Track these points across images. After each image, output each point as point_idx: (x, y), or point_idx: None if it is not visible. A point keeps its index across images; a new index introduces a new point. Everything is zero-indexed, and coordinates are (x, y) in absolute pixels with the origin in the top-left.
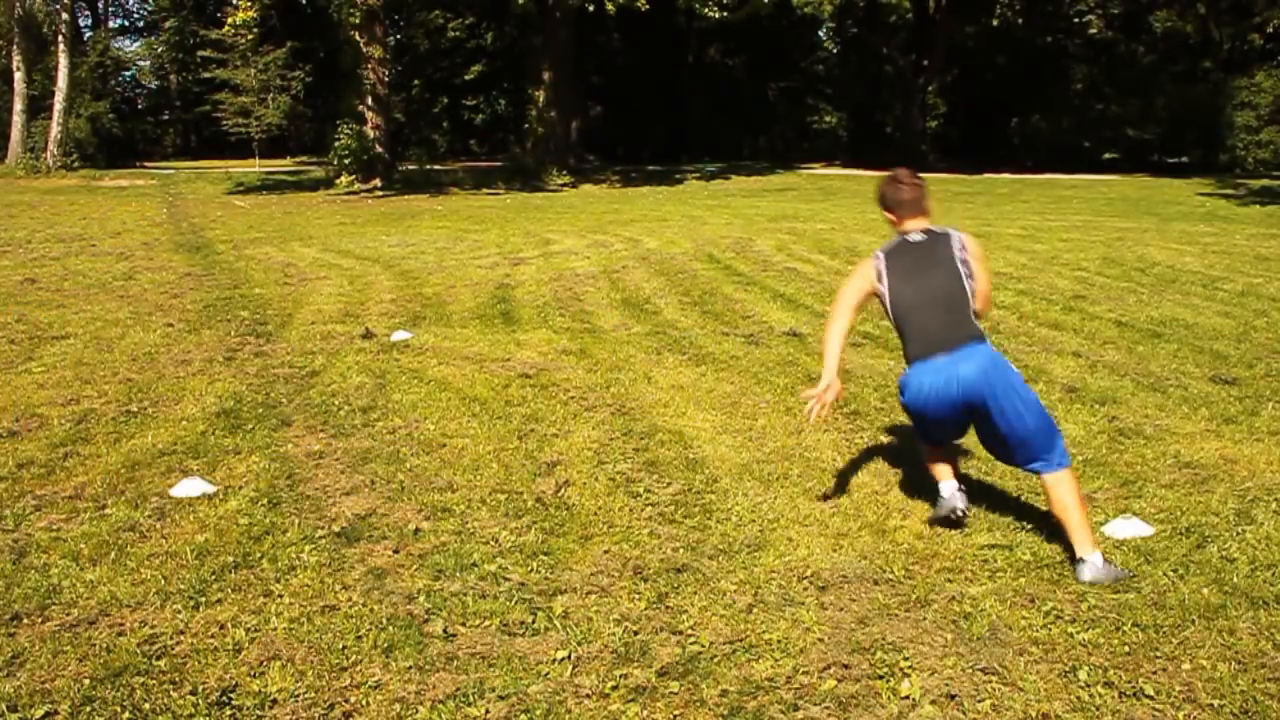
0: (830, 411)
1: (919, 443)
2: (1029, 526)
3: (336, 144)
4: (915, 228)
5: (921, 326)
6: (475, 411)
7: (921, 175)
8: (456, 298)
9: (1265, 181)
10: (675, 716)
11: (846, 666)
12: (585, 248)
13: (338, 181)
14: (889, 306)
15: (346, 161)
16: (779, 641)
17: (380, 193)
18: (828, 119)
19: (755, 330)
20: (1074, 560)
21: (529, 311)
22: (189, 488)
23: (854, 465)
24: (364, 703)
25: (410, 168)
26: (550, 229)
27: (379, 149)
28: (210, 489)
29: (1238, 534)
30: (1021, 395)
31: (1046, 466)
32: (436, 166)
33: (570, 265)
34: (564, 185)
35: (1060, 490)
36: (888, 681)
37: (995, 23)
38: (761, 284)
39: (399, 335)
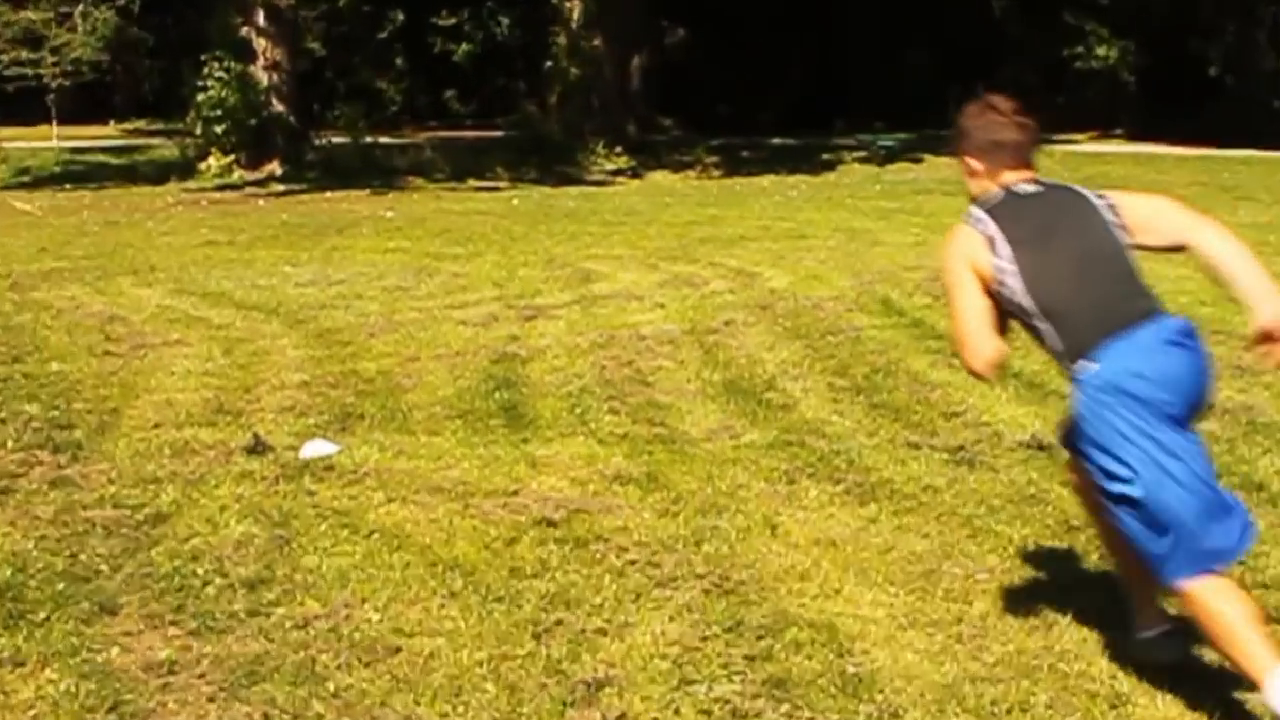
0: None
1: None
2: None
3: (201, 98)
4: (1017, 179)
5: (1090, 301)
6: (455, 588)
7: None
8: (421, 379)
9: None
10: None
11: None
12: (655, 287)
13: (203, 166)
14: (1019, 292)
15: (219, 130)
16: None
17: (281, 186)
18: (1101, 52)
19: (968, 439)
20: None
21: (554, 405)
22: None
23: (1150, 687)
24: None
25: (336, 140)
26: (592, 252)
27: (278, 106)
28: None
29: None
30: None
31: None
32: (385, 139)
33: (628, 320)
34: (616, 173)
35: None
36: None
37: None
38: None
39: (315, 448)
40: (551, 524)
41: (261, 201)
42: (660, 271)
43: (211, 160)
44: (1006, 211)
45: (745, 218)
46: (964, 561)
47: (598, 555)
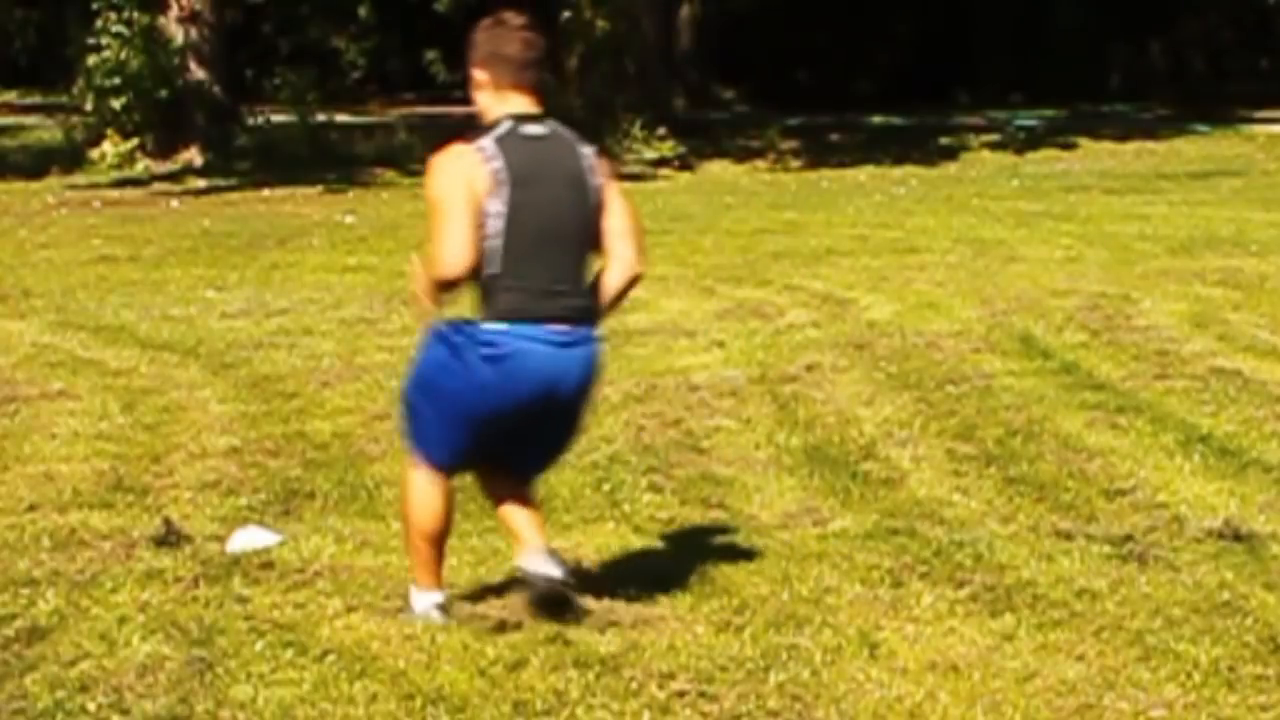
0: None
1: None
2: None
3: (93, 61)
4: (526, 112)
5: (528, 274)
6: None
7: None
8: (391, 444)
9: None
10: None
11: None
12: (713, 319)
13: (96, 154)
14: (496, 230)
15: (117, 105)
16: None
17: (203, 181)
18: None
19: (1139, 526)
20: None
21: (573, 479)
22: None
23: None
24: None
25: (278, 119)
26: None
27: (199, 72)
28: None
29: None
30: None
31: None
32: (344, 116)
33: (676, 363)
34: (659, 162)
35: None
36: None
37: None
38: (1155, 410)
39: (248, 539)
40: (569, 642)
41: (175, 202)
42: (719, 298)
43: (107, 146)
44: (510, 146)
45: (835, 224)
46: (1133, 693)
47: (633, 685)
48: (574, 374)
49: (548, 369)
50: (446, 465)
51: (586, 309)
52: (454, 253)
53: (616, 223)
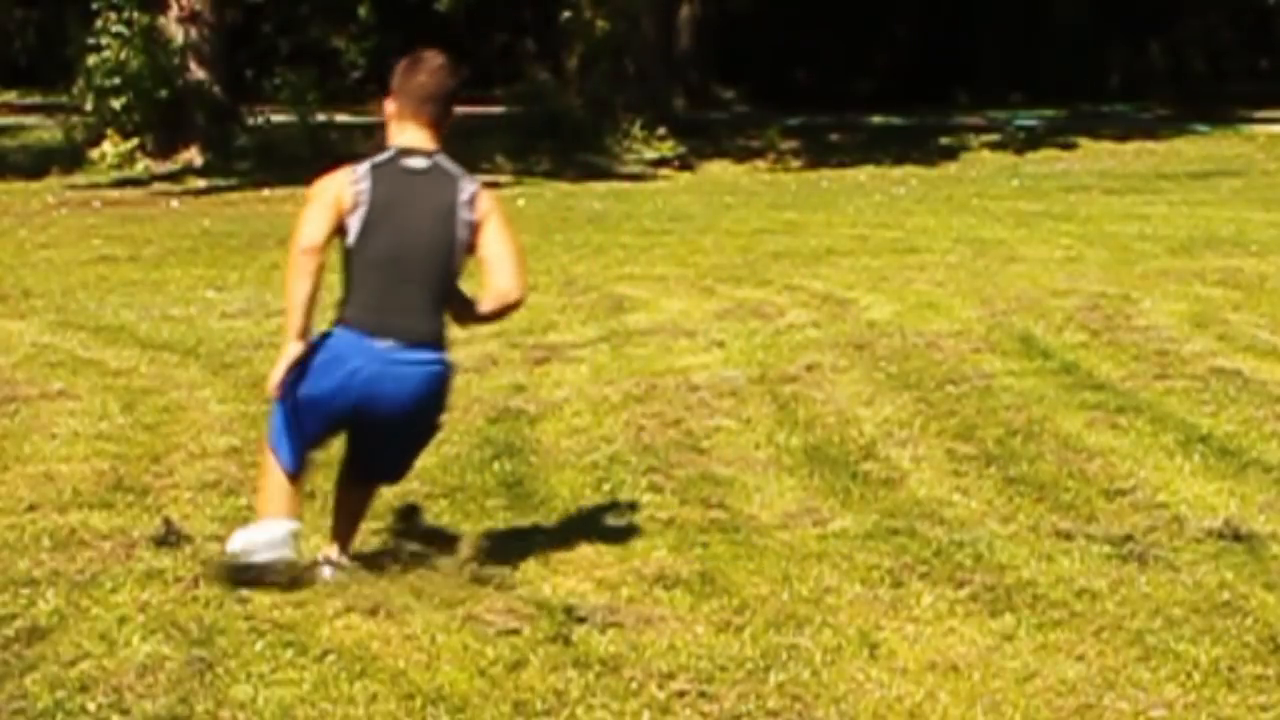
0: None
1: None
2: None
3: (93, 61)
4: (418, 143)
5: (373, 290)
6: None
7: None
8: None
9: None
10: None
11: None
12: (713, 319)
13: (96, 154)
14: (350, 248)
15: (117, 105)
16: None
17: (203, 181)
18: None
19: (1139, 526)
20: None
21: (573, 479)
22: None
23: None
24: None
25: (279, 119)
26: (626, 272)
27: (199, 72)
28: None
29: None
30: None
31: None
32: (344, 116)
33: (676, 363)
34: (659, 162)
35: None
36: None
37: None
38: (1155, 410)
39: (249, 538)
40: (570, 641)
41: (175, 202)
42: (718, 298)
43: (107, 146)
44: (384, 174)
45: (835, 224)
46: (1133, 693)
47: (633, 685)
48: (396, 391)
49: (366, 378)
50: (278, 449)
51: (425, 333)
52: (309, 231)
53: (492, 251)
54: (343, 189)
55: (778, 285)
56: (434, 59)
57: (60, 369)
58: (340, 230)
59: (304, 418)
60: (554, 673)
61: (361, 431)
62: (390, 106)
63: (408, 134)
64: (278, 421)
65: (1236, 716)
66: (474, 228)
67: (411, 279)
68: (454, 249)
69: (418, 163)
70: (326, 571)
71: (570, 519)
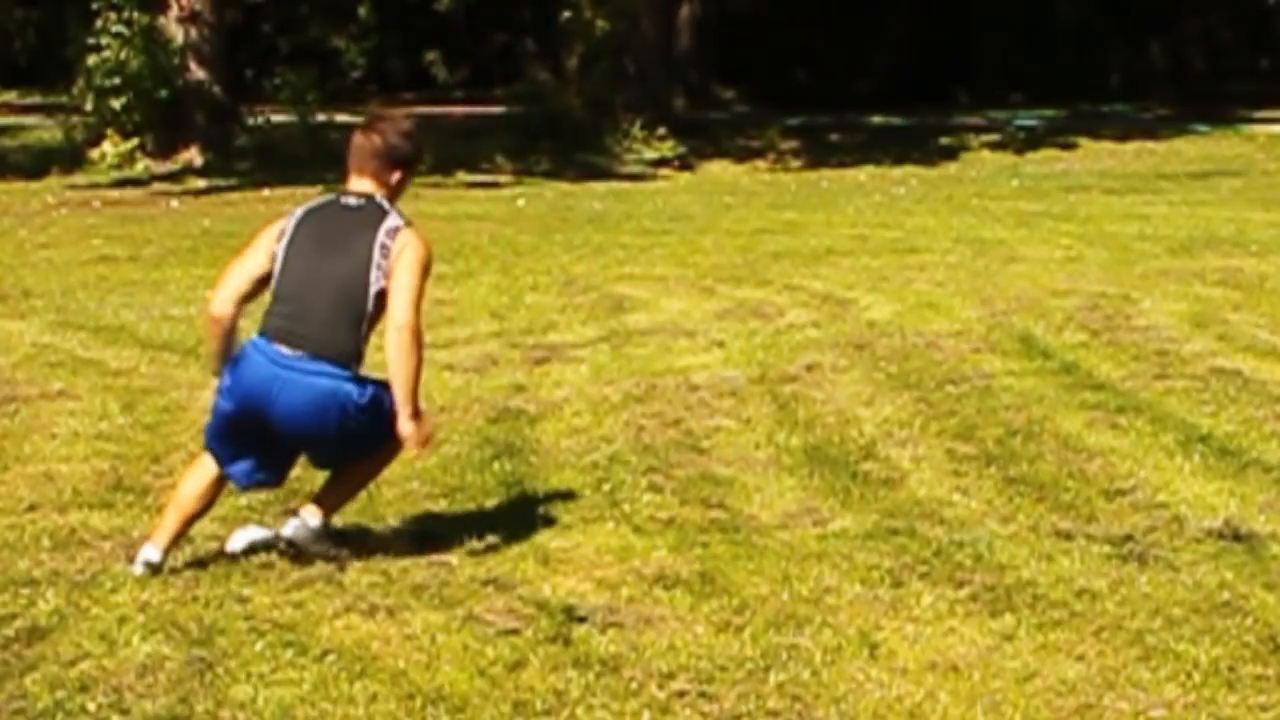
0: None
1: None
2: None
3: (93, 61)
4: (358, 189)
5: (290, 303)
6: None
7: (403, 125)
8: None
9: None
10: None
11: None
12: (713, 319)
13: (96, 153)
14: (276, 269)
15: (117, 105)
16: None
17: (203, 181)
18: None
19: (1139, 526)
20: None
21: (573, 479)
22: None
23: None
24: None
25: (278, 119)
26: (626, 272)
27: (198, 72)
28: None
29: None
30: (365, 441)
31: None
32: (344, 116)
33: (676, 364)
34: (659, 162)
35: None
36: None
37: None
38: (1155, 410)
39: (247, 538)
40: (569, 641)
41: (175, 202)
42: (719, 298)
43: (107, 146)
44: (314, 213)
45: (835, 224)
46: (1133, 693)
47: (633, 685)
48: (287, 396)
49: (259, 379)
50: (209, 446)
51: (325, 346)
52: (219, 288)
53: (394, 283)
54: (282, 224)
55: (778, 285)
56: (376, 121)
57: (60, 369)
58: (272, 261)
59: (216, 416)
60: (554, 673)
61: (267, 432)
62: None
63: (351, 182)
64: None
65: (1236, 716)
66: (388, 258)
67: (321, 299)
68: (368, 273)
69: (351, 200)
70: (289, 526)
71: (570, 519)
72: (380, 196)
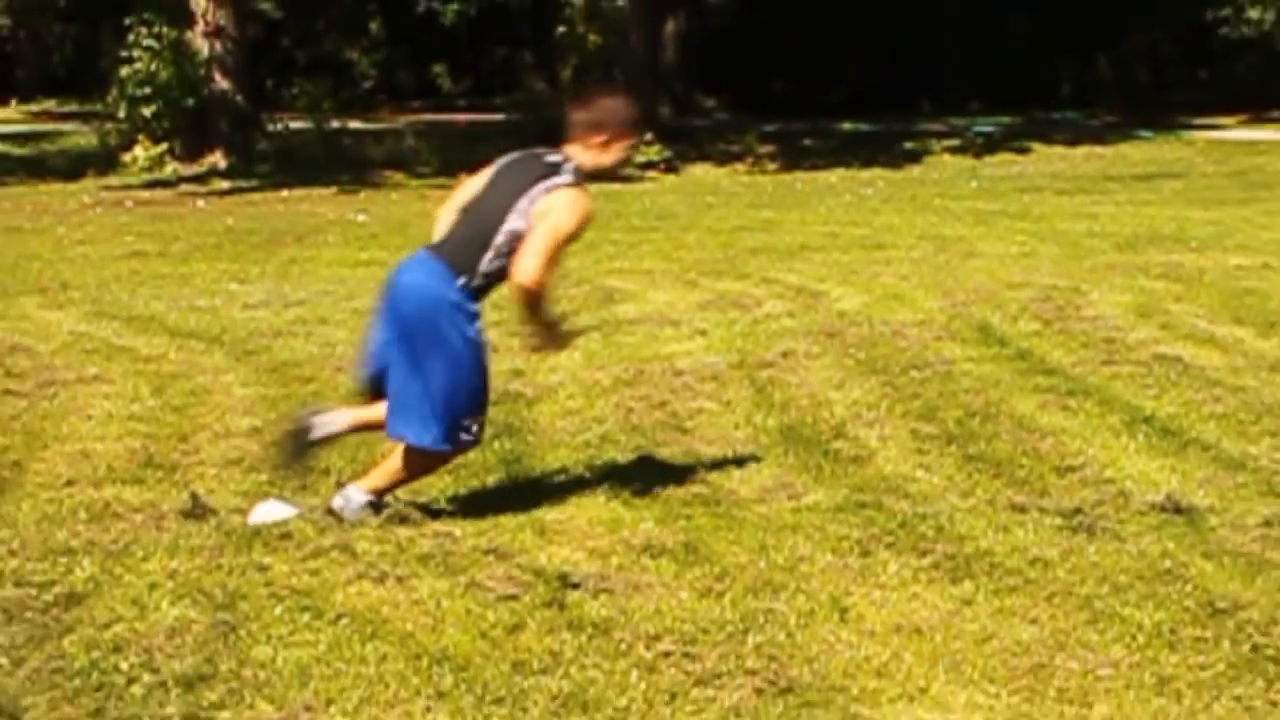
0: None
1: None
2: None
3: (125, 73)
4: (562, 151)
5: (446, 224)
6: (444, 687)
7: (609, 98)
8: None
9: None
10: None
11: None
12: (695, 309)
13: (128, 157)
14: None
15: (148, 113)
16: None
17: (226, 183)
18: (1254, 15)
19: (1087, 500)
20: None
21: (567, 457)
22: None
23: None
24: None
25: (296, 126)
26: (616, 266)
27: (222, 83)
28: None
29: None
30: (449, 357)
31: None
32: (356, 124)
33: (661, 350)
34: (646, 166)
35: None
36: None
37: None
38: (1102, 393)
39: (268, 512)
40: (564, 606)
41: (201, 202)
42: (701, 290)
43: (138, 150)
44: (512, 161)
45: (808, 222)
46: (1082, 654)
47: (623, 646)
48: (405, 274)
49: (398, 264)
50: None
51: (449, 255)
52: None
53: (530, 235)
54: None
55: (755, 278)
56: (590, 94)
57: (95, 355)
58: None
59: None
60: (549, 635)
61: (386, 313)
62: None
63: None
64: None
65: (1177, 675)
66: (533, 207)
67: (469, 220)
68: (508, 211)
69: (546, 156)
70: (337, 499)
71: (564, 493)
72: (576, 160)
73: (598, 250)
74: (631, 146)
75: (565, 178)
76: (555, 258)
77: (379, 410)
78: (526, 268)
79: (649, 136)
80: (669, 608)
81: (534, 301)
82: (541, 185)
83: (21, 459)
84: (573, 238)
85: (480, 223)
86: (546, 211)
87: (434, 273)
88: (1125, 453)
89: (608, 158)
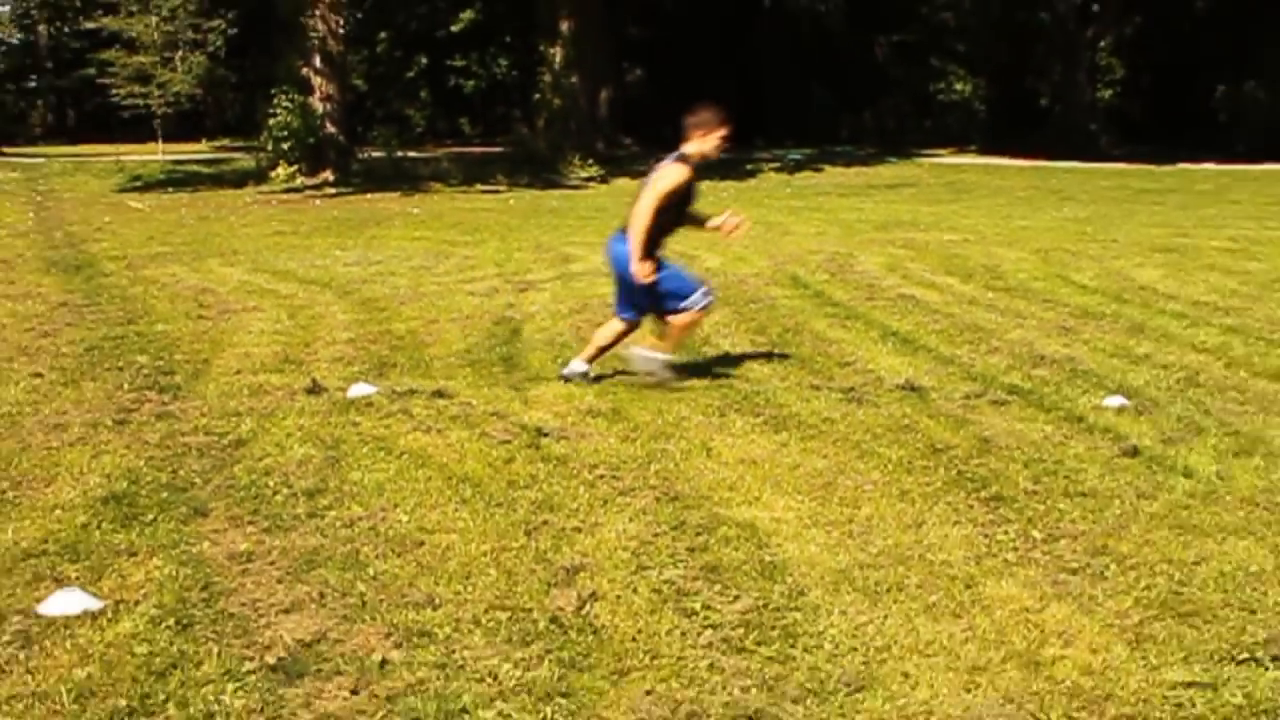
0: None
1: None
2: (1241, 656)
3: (272, 122)
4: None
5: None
6: (465, 496)
7: (706, 109)
8: (439, 337)
9: None
10: None
11: None
12: None
13: (273, 174)
14: None
15: (285, 146)
16: None
17: (333, 190)
18: (959, 87)
19: (858, 382)
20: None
21: (541, 356)
22: (65, 602)
23: (995, 572)
24: None
25: (375, 155)
26: (570, 240)
27: (331, 128)
28: (95, 604)
29: None
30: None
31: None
32: (412, 153)
33: (598, 292)
34: (590, 179)
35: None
36: None
37: None
38: (866, 317)
39: (359, 390)
40: (538, 447)
41: (317, 201)
42: None
43: (279, 170)
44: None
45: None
46: (854, 475)
47: (574, 471)
48: (610, 246)
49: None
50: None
51: (623, 225)
52: None
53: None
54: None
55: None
56: (694, 109)
57: (253, 294)
58: None
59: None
60: (530, 464)
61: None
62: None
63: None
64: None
65: (912, 489)
66: (651, 176)
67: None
68: (644, 184)
69: (663, 155)
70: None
71: (539, 378)
72: (687, 150)
73: (559, 231)
74: (722, 137)
75: (670, 158)
76: (655, 205)
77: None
78: (636, 211)
79: (591, 161)
80: (603, 448)
81: (634, 234)
82: (657, 166)
83: (208, 357)
84: (669, 194)
85: (635, 202)
86: (655, 178)
87: (618, 238)
88: (880, 354)
89: (708, 145)
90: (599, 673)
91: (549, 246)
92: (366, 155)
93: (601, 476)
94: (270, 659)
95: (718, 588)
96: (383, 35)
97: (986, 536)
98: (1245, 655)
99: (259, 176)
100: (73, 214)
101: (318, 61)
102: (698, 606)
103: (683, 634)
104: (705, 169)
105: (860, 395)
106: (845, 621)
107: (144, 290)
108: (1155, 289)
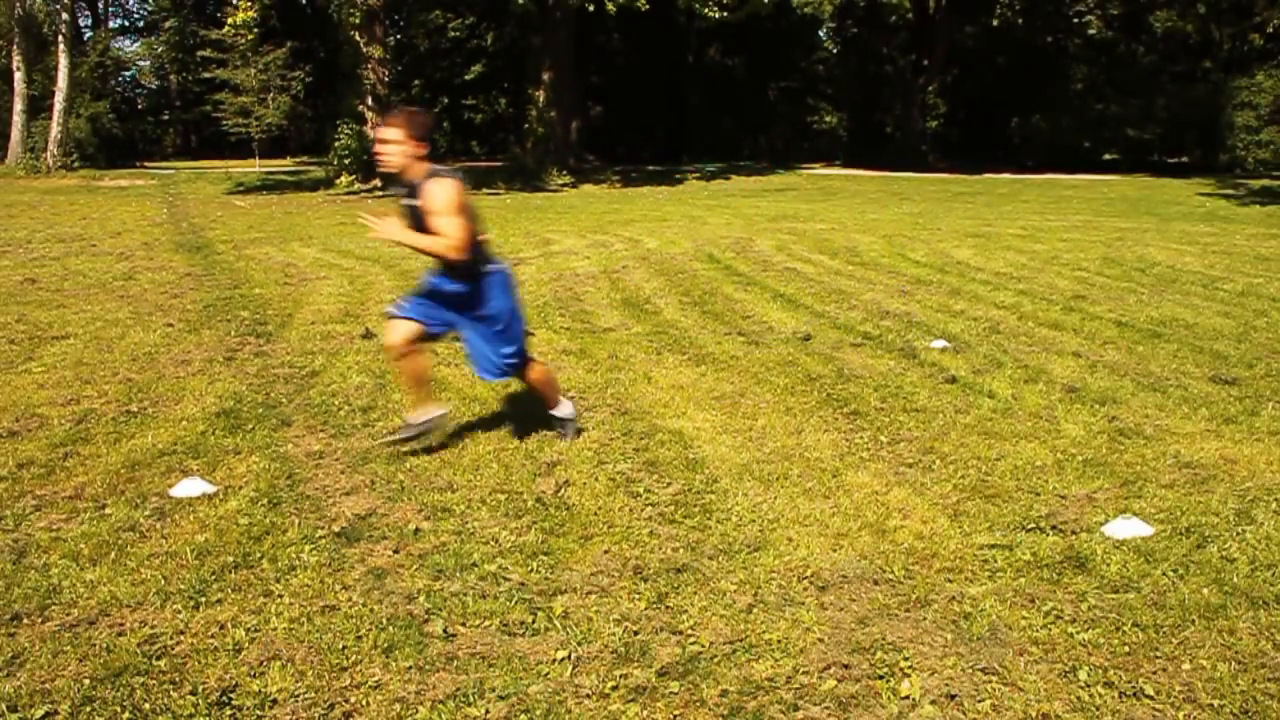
0: None
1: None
2: (1029, 526)
3: (336, 144)
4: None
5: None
6: (475, 411)
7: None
8: None
9: (1265, 181)
10: (675, 716)
11: (846, 666)
12: (585, 248)
13: (337, 181)
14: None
15: (346, 161)
16: (779, 641)
17: (380, 193)
18: (828, 119)
19: (755, 330)
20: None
21: (529, 312)
22: (189, 488)
23: (853, 465)
24: (364, 703)
25: None
26: (550, 229)
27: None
28: (210, 489)
29: (1238, 534)
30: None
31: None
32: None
33: (570, 265)
34: (564, 185)
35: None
36: (888, 681)
37: (995, 22)
38: (761, 284)
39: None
40: (517, 391)
41: (370, 201)
42: (588, 239)
43: (342, 179)
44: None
45: (633, 210)
46: (753, 396)
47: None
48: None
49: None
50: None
51: None
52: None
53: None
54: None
55: (610, 235)
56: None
57: (324, 267)
58: None
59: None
60: (522, 390)
61: None
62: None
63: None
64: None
65: (795, 406)
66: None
67: None
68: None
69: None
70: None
71: (530, 329)
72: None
73: (542, 222)
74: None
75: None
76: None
77: None
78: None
79: (565, 173)
80: (573, 377)
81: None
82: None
83: (291, 312)
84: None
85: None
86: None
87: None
88: (773, 310)
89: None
90: (570, 538)
91: (535, 233)
92: None
93: (572, 397)
94: (335, 528)
95: (655, 477)
96: (416, 82)
97: (847, 440)
98: (1032, 525)
99: (328, 183)
100: (194, 210)
101: (369, 101)
102: (641, 490)
103: (630, 510)
104: (645, 177)
105: (758, 340)
106: (746, 501)
107: (245, 264)
108: (968, 263)
